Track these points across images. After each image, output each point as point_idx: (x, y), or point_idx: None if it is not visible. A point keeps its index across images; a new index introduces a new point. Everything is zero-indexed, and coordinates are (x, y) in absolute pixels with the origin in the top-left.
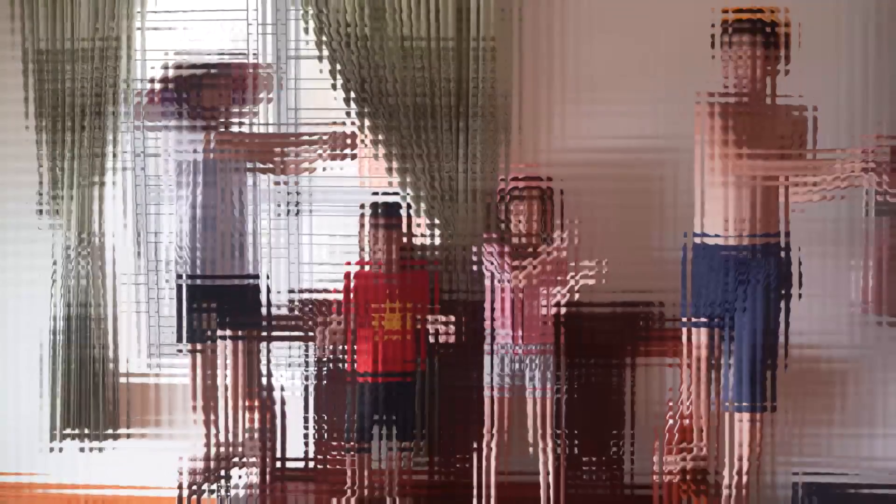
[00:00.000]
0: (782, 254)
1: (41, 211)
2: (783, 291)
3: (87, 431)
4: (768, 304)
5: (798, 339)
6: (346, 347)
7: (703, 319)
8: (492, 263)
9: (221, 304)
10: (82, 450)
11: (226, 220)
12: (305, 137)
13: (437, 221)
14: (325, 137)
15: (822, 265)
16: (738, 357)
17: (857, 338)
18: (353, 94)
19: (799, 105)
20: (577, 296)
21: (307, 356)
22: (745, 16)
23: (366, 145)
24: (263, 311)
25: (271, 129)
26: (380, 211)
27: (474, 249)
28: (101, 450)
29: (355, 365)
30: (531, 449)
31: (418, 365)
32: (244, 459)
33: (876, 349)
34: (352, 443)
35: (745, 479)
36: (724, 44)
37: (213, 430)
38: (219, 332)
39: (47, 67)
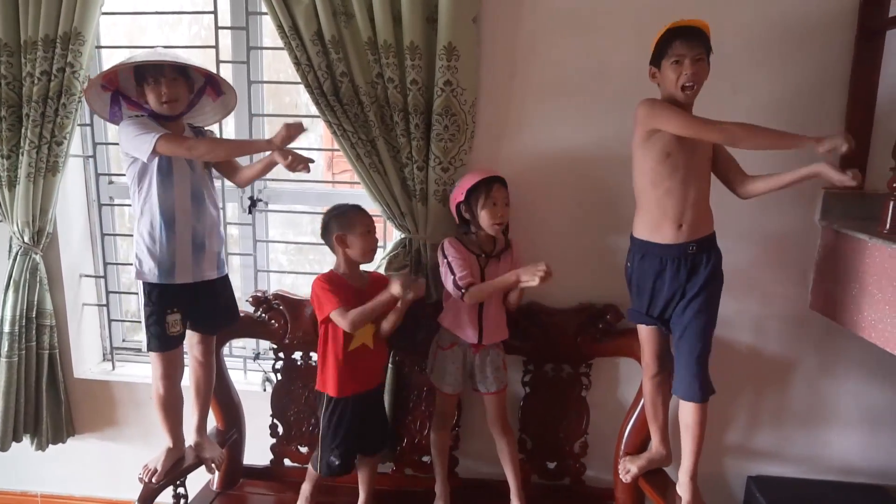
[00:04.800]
0: (716, 253)
1: None
2: (719, 284)
3: (42, 435)
4: (707, 298)
5: (749, 338)
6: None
7: (645, 316)
8: (450, 266)
9: (189, 306)
10: (38, 453)
11: (190, 220)
12: (260, 142)
13: (407, 222)
14: (275, 139)
15: (776, 266)
16: (681, 350)
17: (806, 338)
18: (319, 94)
19: None
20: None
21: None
22: (685, 23)
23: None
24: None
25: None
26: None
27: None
28: (56, 453)
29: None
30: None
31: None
32: (207, 461)
33: (826, 349)
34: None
35: (690, 469)
36: (667, 53)
37: (175, 432)
38: (187, 334)
39: None
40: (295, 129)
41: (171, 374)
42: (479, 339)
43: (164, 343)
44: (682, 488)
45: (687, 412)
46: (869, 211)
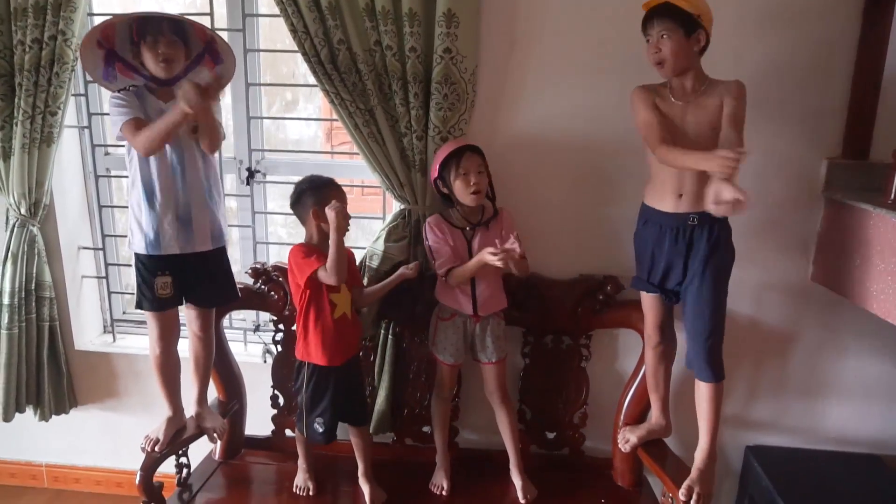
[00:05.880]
0: (724, 222)
1: None
2: (726, 261)
3: (44, 406)
4: (711, 275)
5: (749, 310)
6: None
7: (647, 283)
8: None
9: (180, 275)
10: (41, 424)
11: (172, 193)
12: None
13: (406, 193)
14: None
15: (777, 238)
16: (688, 328)
17: (807, 310)
18: (317, 62)
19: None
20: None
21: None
22: (648, 4)
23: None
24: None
25: None
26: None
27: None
28: (59, 424)
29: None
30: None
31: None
32: (208, 431)
33: (825, 321)
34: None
35: (706, 445)
36: (646, 34)
37: (173, 399)
38: (186, 309)
39: None
40: (190, 88)
41: (165, 337)
42: (474, 309)
43: (155, 304)
44: (694, 468)
45: (700, 390)
46: (873, 181)
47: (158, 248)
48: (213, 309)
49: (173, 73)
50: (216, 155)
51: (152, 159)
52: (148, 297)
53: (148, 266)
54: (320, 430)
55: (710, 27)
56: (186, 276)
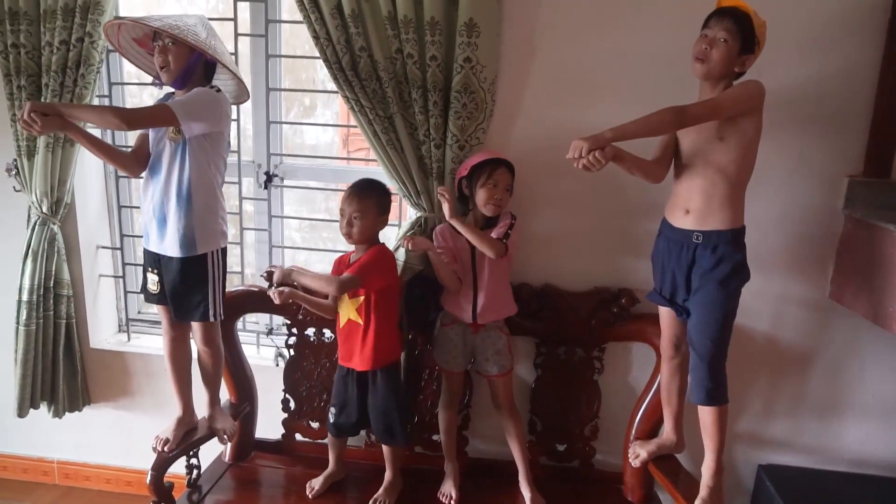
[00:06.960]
0: (733, 244)
1: (9, 172)
2: (732, 282)
3: (58, 403)
4: (712, 295)
5: (766, 326)
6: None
7: (659, 296)
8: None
9: (161, 275)
10: (54, 421)
11: (150, 190)
12: None
13: (423, 201)
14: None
15: (796, 256)
16: (690, 347)
17: (824, 328)
18: (338, 69)
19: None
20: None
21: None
22: (727, 2)
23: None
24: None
25: None
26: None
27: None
28: (72, 421)
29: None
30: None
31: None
32: (219, 432)
33: (843, 340)
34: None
35: (711, 467)
36: (705, 27)
37: (186, 402)
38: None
39: (16, 27)
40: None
41: (174, 328)
42: (473, 317)
43: (146, 296)
44: (703, 486)
45: (702, 412)
46: (894, 200)
47: (147, 243)
48: (181, 321)
49: (171, 77)
50: (222, 165)
51: (152, 156)
52: (144, 287)
53: (145, 259)
54: (331, 419)
55: (757, 56)
56: (166, 280)
